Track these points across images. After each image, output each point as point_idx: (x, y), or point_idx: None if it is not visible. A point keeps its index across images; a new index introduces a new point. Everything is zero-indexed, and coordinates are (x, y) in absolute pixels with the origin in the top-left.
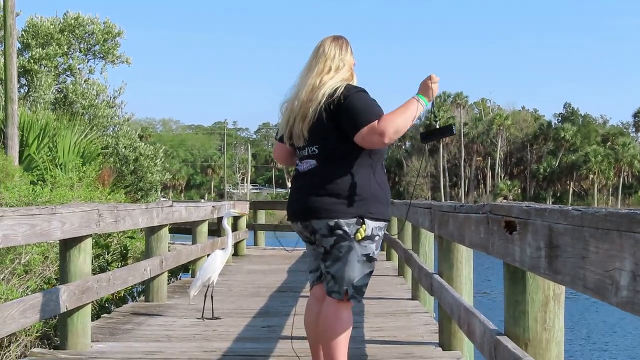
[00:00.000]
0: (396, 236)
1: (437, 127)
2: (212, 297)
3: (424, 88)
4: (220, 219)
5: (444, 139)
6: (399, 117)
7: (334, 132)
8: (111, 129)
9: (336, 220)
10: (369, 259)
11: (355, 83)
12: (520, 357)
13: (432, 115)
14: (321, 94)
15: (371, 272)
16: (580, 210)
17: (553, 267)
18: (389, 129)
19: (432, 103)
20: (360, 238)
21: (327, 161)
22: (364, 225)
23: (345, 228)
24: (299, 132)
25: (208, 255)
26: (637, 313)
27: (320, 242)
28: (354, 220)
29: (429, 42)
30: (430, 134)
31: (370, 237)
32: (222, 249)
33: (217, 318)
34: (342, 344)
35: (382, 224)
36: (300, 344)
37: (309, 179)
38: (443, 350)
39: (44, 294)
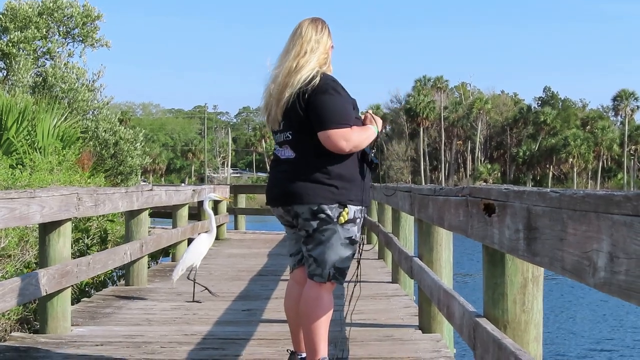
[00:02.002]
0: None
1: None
2: (194, 280)
3: (375, 120)
4: (200, 203)
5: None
6: (364, 137)
7: (307, 120)
8: (91, 112)
9: (319, 204)
10: (352, 241)
11: (329, 67)
12: (499, 338)
13: (373, 146)
14: (297, 79)
15: (353, 254)
16: (559, 192)
17: (531, 249)
18: (354, 140)
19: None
20: (343, 221)
21: (303, 148)
22: (346, 209)
23: (329, 212)
24: (274, 116)
25: (189, 239)
26: (614, 294)
27: (302, 225)
28: (336, 204)
29: (409, 26)
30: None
31: (352, 220)
32: (207, 232)
33: (197, 302)
34: (322, 327)
35: (362, 207)
36: (280, 327)
37: (290, 165)
38: (423, 332)
39: (24, 278)
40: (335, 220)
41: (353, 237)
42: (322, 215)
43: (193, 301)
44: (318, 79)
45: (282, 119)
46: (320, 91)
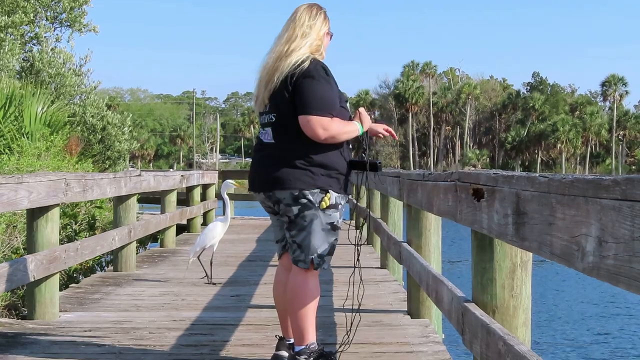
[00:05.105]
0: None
1: (365, 159)
2: (211, 263)
3: (361, 118)
4: (189, 188)
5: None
6: (344, 130)
7: (292, 104)
8: (78, 97)
9: (300, 189)
10: (333, 227)
11: (322, 54)
12: (488, 323)
13: (364, 146)
14: (286, 63)
15: (335, 240)
16: (547, 176)
17: (520, 233)
18: (332, 131)
19: (367, 133)
20: (324, 207)
21: (286, 132)
22: (328, 194)
23: (310, 197)
24: (261, 99)
25: (176, 224)
26: (603, 278)
27: (284, 211)
28: (317, 190)
29: (398, 11)
30: (357, 164)
31: (334, 206)
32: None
33: (214, 284)
34: (309, 313)
35: (345, 195)
36: (268, 313)
37: (271, 149)
38: (411, 318)
39: (11, 263)
40: (317, 205)
41: (335, 223)
42: (304, 201)
43: (209, 283)
44: (307, 63)
45: (268, 101)
46: (308, 75)
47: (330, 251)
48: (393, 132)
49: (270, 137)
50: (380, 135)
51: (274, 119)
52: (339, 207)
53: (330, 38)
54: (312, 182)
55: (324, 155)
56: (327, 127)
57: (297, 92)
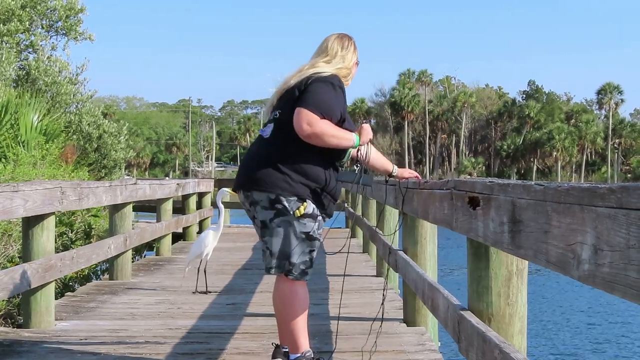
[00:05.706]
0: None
1: (356, 171)
2: (205, 272)
3: (361, 131)
4: (185, 197)
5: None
6: (332, 133)
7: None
8: (74, 106)
9: (277, 194)
10: (309, 237)
11: (348, 82)
12: (484, 331)
13: (357, 160)
14: (309, 71)
15: (312, 251)
16: (543, 184)
17: (516, 241)
18: (317, 130)
19: (366, 147)
20: (299, 215)
21: (283, 132)
22: (304, 203)
23: (285, 203)
24: (272, 99)
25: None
26: (599, 286)
27: (259, 214)
28: (295, 197)
29: (393, 19)
30: (347, 177)
31: (310, 215)
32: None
33: (209, 292)
34: (300, 321)
35: (323, 210)
36: (264, 321)
37: (265, 147)
38: (407, 326)
39: (7, 272)
40: (291, 212)
41: (310, 233)
42: (279, 206)
43: (205, 292)
44: (328, 73)
45: (277, 101)
46: (321, 79)
47: (311, 263)
48: (418, 175)
49: (268, 133)
50: (408, 178)
51: (278, 115)
52: (317, 218)
53: (357, 65)
54: (289, 189)
55: (310, 166)
56: (312, 122)
57: (304, 90)
